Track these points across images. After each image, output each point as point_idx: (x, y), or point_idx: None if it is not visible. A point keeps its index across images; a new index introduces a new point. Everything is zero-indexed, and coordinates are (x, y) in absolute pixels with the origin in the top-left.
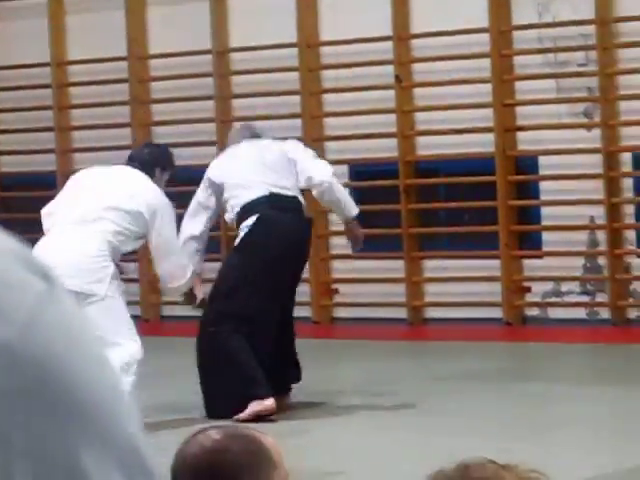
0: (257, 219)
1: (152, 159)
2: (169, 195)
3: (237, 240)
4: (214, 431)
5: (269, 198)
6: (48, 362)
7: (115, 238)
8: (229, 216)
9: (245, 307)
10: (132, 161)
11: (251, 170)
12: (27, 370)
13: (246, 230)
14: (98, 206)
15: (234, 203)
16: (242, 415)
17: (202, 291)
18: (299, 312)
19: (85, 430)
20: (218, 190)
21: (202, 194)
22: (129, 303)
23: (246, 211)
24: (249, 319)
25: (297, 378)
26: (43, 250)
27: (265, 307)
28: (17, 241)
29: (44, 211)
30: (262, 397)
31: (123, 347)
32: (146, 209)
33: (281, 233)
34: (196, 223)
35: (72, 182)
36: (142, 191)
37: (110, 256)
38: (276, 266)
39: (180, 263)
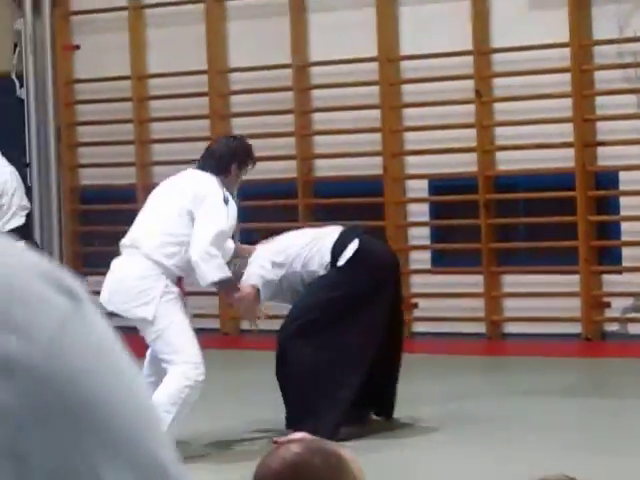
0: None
1: (229, 152)
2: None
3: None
4: (295, 445)
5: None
6: (72, 381)
7: (166, 252)
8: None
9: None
10: (208, 154)
11: None
12: (50, 389)
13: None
14: (146, 226)
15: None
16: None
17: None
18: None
19: (108, 449)
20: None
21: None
22: (208, 316)
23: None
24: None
25: (384, 414)
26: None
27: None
28: (42, 257)
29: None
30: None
31: (175, 370)
32: (192, 203)
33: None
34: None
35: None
36: (193, 189)
37: (160, 275)
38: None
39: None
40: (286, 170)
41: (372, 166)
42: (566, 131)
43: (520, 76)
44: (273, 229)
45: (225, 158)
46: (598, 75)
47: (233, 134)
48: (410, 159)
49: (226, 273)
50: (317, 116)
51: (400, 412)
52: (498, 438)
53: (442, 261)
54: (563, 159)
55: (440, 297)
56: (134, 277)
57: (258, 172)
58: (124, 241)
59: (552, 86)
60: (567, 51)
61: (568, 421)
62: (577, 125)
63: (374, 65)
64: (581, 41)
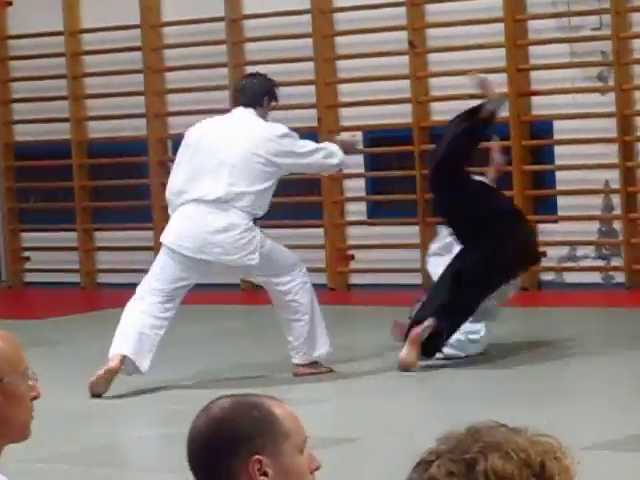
0: None
1: (262, 89)
2: None
3: None
4: (224, 399)
5: None
6: None
7: (250, 202)
8: None
9: None
10: (243, 92)
11: None
12: None
13: None
14: (224, 179)
15: None
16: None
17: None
18: (314, 279)
19: None
20: None
21: None
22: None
23: None
24: None
25: None
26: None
27: None
28: None
29: (173, 191)
30: None
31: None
32: (266, 152)
33: None
34: None
35: (186, 150)
36: (255, 136)
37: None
38: None
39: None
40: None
41: (307, 118)
42: (500, 81)
43: (453, 26)
44: None
45: (258, 93)
46: (532, 24)
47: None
48: (344, 111)
49: (340, 156)
50: (250, 69)
51: (336, 364)
52: (432, 386)
53: (378, 213)
54: None
55: (376, 248)
56: (239, 231)
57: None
58: (206, 194)
59: (486, 36)
60: (500, 1)
61: (500, 370)
62: (511, 75)
63: (307, 17)
64: None
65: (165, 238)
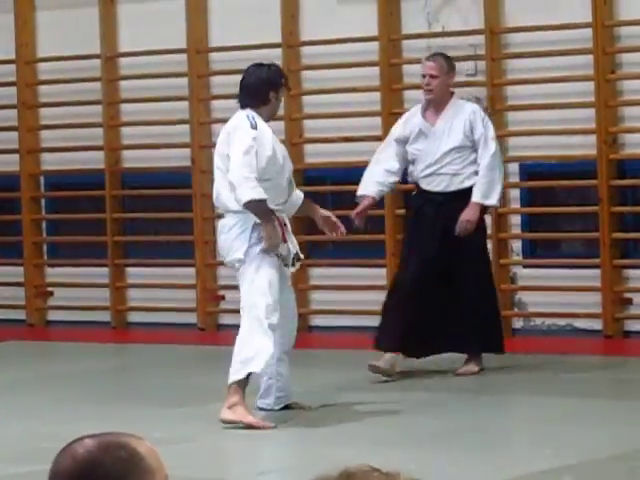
0: None
1: (263, 82)
2: None
3: None
4: (89, 440)
5: None
6: None
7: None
8: None
9: None
10: (244, 90)
11: None
12: None
13: None
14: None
15: None
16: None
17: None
18: (185, 318)
19: None
20: None
21: None
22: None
23: None
24: None
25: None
26: None
27: None
28: None
29: None
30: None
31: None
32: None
33: None
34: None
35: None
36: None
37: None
38: None
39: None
40: (94, 161)
41: (181, 158)
42: (375, 124)
43: (329, 69)
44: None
45: (261, 88)
46: (407, 69)
47: (261, 62)
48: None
49: (261, 195)
50: (125, 107)
51: (204, 404)
52: (303, 432)
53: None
54: (371, 152)
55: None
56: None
57: (66, 162)
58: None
59: (361, 79)
60: (376, 45)
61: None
62: (385, 118)
63: (183, 57)
64: (390, 35)
65: None
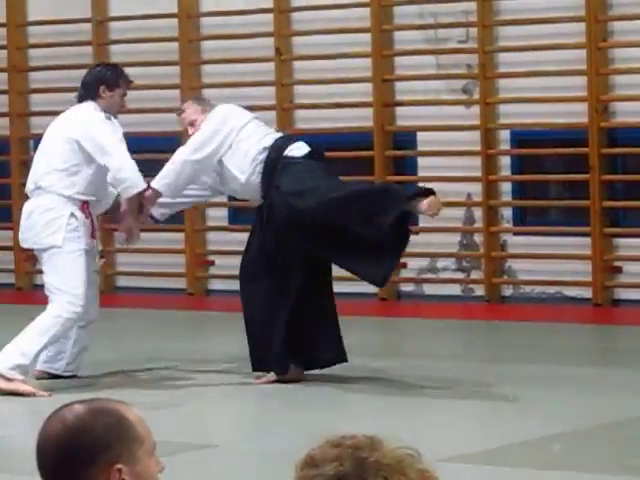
0: None
1: (93, 80)
2: None
3: None
4: (78, 406)
5: None
6: None
7: (65, 184)
8: None
9: None
10: (81, 86)
11: None
12: None
13: None
14: (42, 166)
15: None
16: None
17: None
18: (174, 284)
19: None
20: None
21: None
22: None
23: None
24: None
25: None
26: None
27: None
28: None
29: None
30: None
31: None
32: (77, 132)
33: None
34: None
35: None
36: (72, 125)
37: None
38: None
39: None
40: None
41: (170, 123)
42: (365, 91)
43: (320, 35)
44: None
45: (92, 84)
46: (398, 35)
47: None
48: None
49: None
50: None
51: (193, 369)
52: (291, 396)
53: (239, 218)
54: (362, 118)
55: (237, 254)
56: (41, 211)
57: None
58: (28, 186)
59: (352, 45)
60: (367, 10)
61: (363, 377)
62: (376, 85)
63: (174, 21)
64: (381, 1)
65: None
